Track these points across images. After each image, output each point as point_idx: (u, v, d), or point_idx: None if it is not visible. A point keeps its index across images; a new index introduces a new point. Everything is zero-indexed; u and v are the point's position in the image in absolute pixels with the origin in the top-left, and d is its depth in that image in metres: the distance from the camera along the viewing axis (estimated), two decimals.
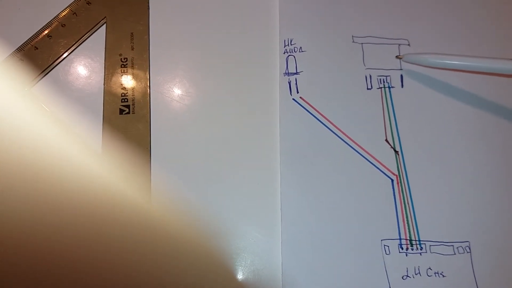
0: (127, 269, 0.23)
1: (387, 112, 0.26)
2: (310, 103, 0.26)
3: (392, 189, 0.24)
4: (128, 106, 0.25)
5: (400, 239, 0.24)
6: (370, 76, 0.27)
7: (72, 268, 0.23)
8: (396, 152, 0.25)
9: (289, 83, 0.26)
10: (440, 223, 0.24)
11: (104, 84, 0.26)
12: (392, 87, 0.26)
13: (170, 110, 0.26)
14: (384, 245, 0.24)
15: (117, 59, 0.26)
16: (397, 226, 0.24)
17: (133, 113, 0.25)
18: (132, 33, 0.27)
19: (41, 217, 0.22)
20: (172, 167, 0.25)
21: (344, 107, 0.26)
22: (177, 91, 0.26)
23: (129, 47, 0.26)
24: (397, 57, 0.26)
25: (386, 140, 0.25)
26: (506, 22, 0.28)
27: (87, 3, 0.27)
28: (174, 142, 0.25)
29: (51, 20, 0.27)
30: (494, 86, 0.27)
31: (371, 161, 0.25)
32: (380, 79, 0.27)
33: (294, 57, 0.27)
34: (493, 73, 0.26)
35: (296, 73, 0.26)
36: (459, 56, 0.24)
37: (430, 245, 0.24)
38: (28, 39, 0.26)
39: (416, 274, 0.23)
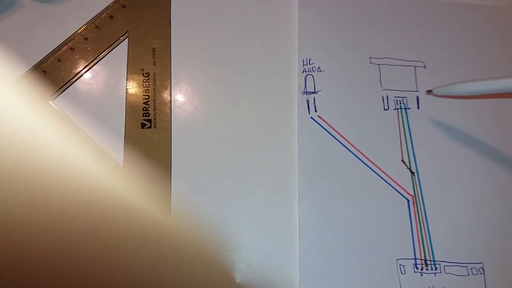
0: (145, 281, 0.23)
1: (403, 133, 0.26)
2: (328, 122, 0.26)
3: (408, 210, 0.25)
4: (149, 121, 0.25)
5: (415, 259, 0.24)
6: (387, 97, 0.27)
7: (90, 279, 0.23)
8: (412, 172, 0.26)
9: (308, 101, 0.27)
10: (455, 244, 0.24)
11: (125, 98, 0.26)
12: (409, 108, 0.27)
13: (191, 125, 0.26)
14: (400, 265, 0.24)
15: (139, 74, 0.26)
16: (412, 246, 0.24)
17: (154, 127, 0.25)
18: (154, 48, 0.27)
19: (60, 229, 0.22)
20: (192, 181, 0.25)
21: (361, 126, 0.26)
22: (197, 107, 0.26)
23: (151, 62, 0.27)
24: (427, 92, 0.27)
25: (403, 161, 0.26)
26: None
27: (109, 17, 0.28)
28: (194, 157, 0.25)
29: (74, 33, 0.27)
30: None
31: (388, 181, 0.25)
32: (396, 100, 0.27)
33: (313, 76, 0.27)
34: None
35: (314, 92, 0.27)
36: (487, 80, 0.23)
37: (445, 266, 0.24)
38: (51, 52, 0.26)
39: None
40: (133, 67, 0.27)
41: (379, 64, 0.28)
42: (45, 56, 0.26)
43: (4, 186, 0.22)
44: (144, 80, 0.26)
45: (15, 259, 0.22)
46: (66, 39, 0.27)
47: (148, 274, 0.23)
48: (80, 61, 0.26)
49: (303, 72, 0.27)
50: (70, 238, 0.22)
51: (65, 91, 0.26)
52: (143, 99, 0.26)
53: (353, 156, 0.26)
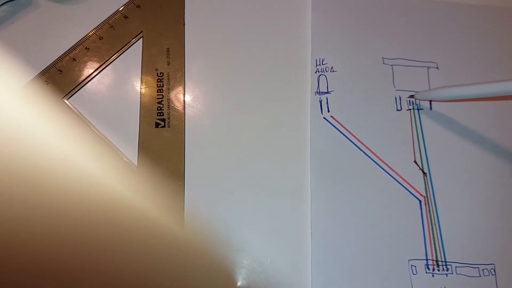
0: (155, 280, 0.23)
1: (416, 133, 0.26)
2: (340, 122, 0.26)
3: (420, 210, 0.25)
4: (163, 120, 0.26)
5: (427, 259, 0.24)
6: (400, 98, 0.27)
7: (100, 277, 0.23)
8: (424, 173, 0.26)
9: (320, 102, 0.27)
10: (466, 245, 0.25)
11: (140, 98, 0.26)
12: (421, 109, 0.27)
13: (204, 125, 0.26)
14: (411, 265, 0.24)
15: (153, 74, 0.27)
16: (424, 247, 0.24)
17: (168, 127, 0.26)
18: (168, 48, 0.27)
19: (73, 230, 0.23)
20: (205, 180, 0.25)
21: (374, 127, 0.26)
22: (210, 107, 0.27)
23: (165, 62, 0.27)
24: (409, 96, 0.27)
25: (415, 162, 0.26)
26: None
27: (124, 17, 0.28)
28: (207, 156, 0.26)
29: (89, 33, 0.27)
30: None
31: (400, 182, 0.25)
32: (409, 101, 0.27)
33: (326, 76, 0.27)
34: None
35: (327, 92, 0.27)
36: (469, 85, 0.23)
37: (456, 267, 0.24)
38: (66, 51, 0.27)
39: None
40: (147, 67, 0.27)
41: (392, 65, 0.28)
42: (61, 56, 0.27)
43: (18, 184, 0.22)
44: (158, 80, 0.27)
45: (25, 258, 0.22)
46: (81, 39, 0.27)
47: (161, 274, 0.23)
48: (95, 61, 0.27)
49: (316, 72, 0.28)
50: (87, 236, 0.23)
51: (80, 90, 0.26)
52: (157, 98, 0.26)
53: (366, 156, 0.26)
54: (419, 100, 0.27)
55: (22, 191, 0.22)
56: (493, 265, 0.24)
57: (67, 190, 0.23)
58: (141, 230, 0.23)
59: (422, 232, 0.25)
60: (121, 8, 0.28)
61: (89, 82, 0.27)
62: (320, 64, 0.28)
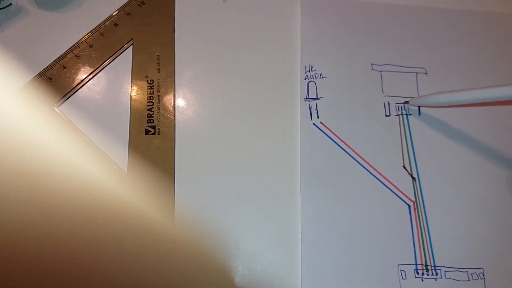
0: (148, 286, 0.23)
1: (404, 139, 0.27)
2: (329, 128, 0.27)
3: (409, 215, 0.25)
4: (153, 127, 0.26)
5: (416, 264, 0.24)
6: (389, 103, 0.27)
7: (93, 283, 0.23)
8: (413, 178, 0.26)
9: (310, 108, 0.27)
10: (455, 249, 0.25)
11: (130, 105, 0.26)
12: (410, 114, 0.27)
13: (194, 132, 0.26)
14: (401, 270, 0.24)
15: (144, 81, 0.27)
16: (413, 251, 0.25)
17: (158, 134, 0.26)
18: (158, 55, 0.27)
19: (65, 234, 0.23)
20: (195, 187, 0.25)
21: (363, 133, 0.27)
22: (201, 113, 0.27)
23: (156, 69, 0.27)
24: (404, 103, 0.27)
25: (404, 167, 0.26)
26: None
27: (114, 24, 0.28)
28: (198, 163, 0.26)
29: (79, 40, 0.27)
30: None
31: (389, 187, 0.26)
32: (398, 107, 0.27)
33: (315, 83, 0.28)
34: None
35: (317, 98, 0.27)
36: (465, 91, 0.23)
37: (445, 271, 0.24)
38: (56, 59, 0.27)
39: None
40: (138, 74, 0.27)
41: (380, 71, 0.28)
42: (51, 63, 0.27)
43: (9, 191, 0.22)
44: (149, 87, 0.27)
45: (18, 262, 0.22)
46: (71, 47, 0.27)
47: (151, 279, 0.23)
48: (85, 68, 0.27)
49: (305, 79, 0.28)
50: (76, 243, 0.23)
51: (70, 98, 0.26)
52: (147, 105, 0.26)
53: (355, 162, 0.26)
54: (415, 106, 0.27)
55: (14, 194, 0.22)
56: (482, 269, 0.24)
57: (56, 197, 0.23)
58: (131, 236, 0.23)
59: (412, 236, 0.25)
60: (112, 16, 0.28)
61: (80, 90, 0.27)
62: (309, 71, 0.28)
